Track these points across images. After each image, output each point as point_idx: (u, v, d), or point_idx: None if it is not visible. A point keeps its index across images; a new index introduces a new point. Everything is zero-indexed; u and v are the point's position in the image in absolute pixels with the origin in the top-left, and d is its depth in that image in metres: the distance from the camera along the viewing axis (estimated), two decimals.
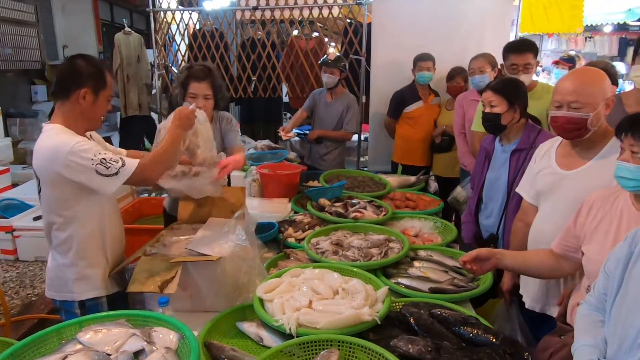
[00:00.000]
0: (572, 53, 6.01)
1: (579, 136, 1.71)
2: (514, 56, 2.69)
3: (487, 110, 2.23)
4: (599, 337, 1.17)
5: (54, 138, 1.69)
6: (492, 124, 2.24)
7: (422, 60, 3.73)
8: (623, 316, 1.09)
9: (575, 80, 1.69)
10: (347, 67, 3.95)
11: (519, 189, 2.03)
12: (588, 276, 1.55)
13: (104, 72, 1.77)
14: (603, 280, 1.23)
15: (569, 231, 1.62)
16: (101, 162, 1.65)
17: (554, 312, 1.84)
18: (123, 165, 1.68)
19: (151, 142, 6.91)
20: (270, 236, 2.36)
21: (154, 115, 6.06)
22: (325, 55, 3.87)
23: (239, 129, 2.78)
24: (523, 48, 2.68)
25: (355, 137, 4.66)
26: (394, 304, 1.68)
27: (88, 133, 1.89)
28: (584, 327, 1.25)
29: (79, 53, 1.81)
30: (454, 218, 3.75)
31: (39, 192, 1.78)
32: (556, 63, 5.61)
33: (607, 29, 9.83)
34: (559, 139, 1.85)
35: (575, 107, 1.65)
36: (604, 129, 1.71)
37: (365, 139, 4.77)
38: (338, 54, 4.02)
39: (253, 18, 4.96)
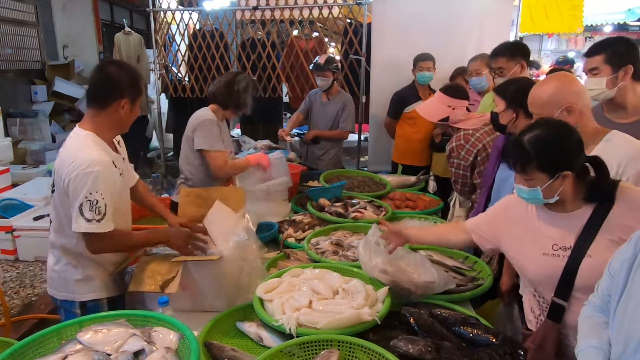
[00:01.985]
0: (572, 54, 6.02)
1: None
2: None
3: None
4: (603, 339, 1.17)
5: (86, 150, 1.69)
6: (494, 123, 2.27)
7: (422, 60, 3.72)
8: (628, 318, 1.08)
9: (534, 90, 1.78)
10: (339, 66, 3.92)
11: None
12: (527, 284, 1.61)
13: (138, 79, 1.79)
14: (607, 281, 1.22)
15: (485, 220, 1.74)
16: (92, 202, 1.63)
17: None
18: (100, 220, 1.65)
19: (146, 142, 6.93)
20: (270, 236, 2.36)
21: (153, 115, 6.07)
22: (316, 59, 3.86)
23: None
24: (494, 52, 2.69)
25: (355, 137, 4.66)
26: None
27: (117, 141, 1.91)
28: (588, 328, 1.24)
29: (109, 60, 1.82)
30: None
31: (52, 186, 1.78)
32: (553, 68, 5.62)
33: (607, 29, 9.82)
34: None
35: (535, 116, 1.76)
36: (594, 129, 1.73)
37: (365, 139, 4.77)
38: (329, 55, 4.02)
39: (253, 18, 4.96)
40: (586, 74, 2.08)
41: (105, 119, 1.76)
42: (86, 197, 1.63)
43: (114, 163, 1.77)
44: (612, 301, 1.17)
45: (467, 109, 2.88)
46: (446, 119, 2.78)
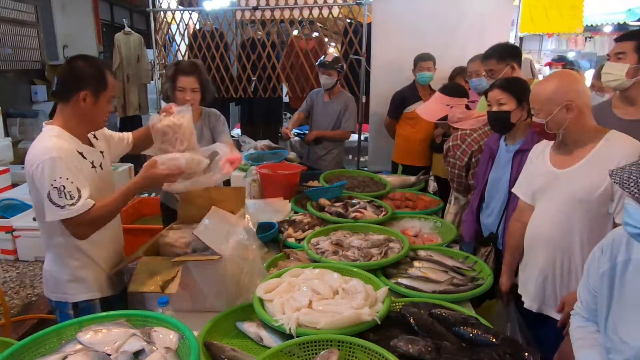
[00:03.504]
0: (572, 54, 6.05)
1: (549, 138, 1.81)
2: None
3: (495, 108, 2.17)
4: (602, 351, 1.16)
5: (44, 141, 1.68)
6: (501, 122, 2.17)
7: (423, 60, 3.73)
8: (623, 329, 1.07)
9: (536, 88, 1.77)
10: (345, 67, 3.94)
11: (515, 189, 2.03)
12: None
13: (104, 73, 1.74)
14: (588, 296, 1.21)
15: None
16: (59, 189, 1.60)
17: (550, 311, 1.86)
18: (74, 204, 1.62)
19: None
20: (270, 236, 2.36)
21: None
22: (323, 57, 3.87)
23: (227, 127, 2.90)
24: (485, 55, 2.68)
25: (355, 137, 4.66)
26: (394, 304, 1.68)
27: (91, 133, 1.88)
28: (583, 340, 1.23)
29: (79, 54, 1.79)
30: None
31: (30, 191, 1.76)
32: (549, 65, 5.64)
33: (607, 29, 9.80)
34: None
35: (535, 113, 1.78)
36: (594, 128, 1.75)
37: (365, 139, 4.77)
38: (336, 54, 4.03)
39: (253, 18, 4.96)
40: (609, 58, 2.07)
41: (70, 112, 1.73)
42: (52, 185, 1.60)
43: (81, 154, 1.75)
44: (599, 314, 1.16)
45: (467, 107, 2.88)
46: (445, 117, 2.77)
